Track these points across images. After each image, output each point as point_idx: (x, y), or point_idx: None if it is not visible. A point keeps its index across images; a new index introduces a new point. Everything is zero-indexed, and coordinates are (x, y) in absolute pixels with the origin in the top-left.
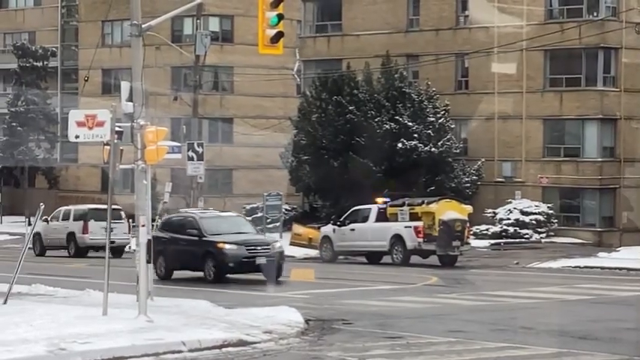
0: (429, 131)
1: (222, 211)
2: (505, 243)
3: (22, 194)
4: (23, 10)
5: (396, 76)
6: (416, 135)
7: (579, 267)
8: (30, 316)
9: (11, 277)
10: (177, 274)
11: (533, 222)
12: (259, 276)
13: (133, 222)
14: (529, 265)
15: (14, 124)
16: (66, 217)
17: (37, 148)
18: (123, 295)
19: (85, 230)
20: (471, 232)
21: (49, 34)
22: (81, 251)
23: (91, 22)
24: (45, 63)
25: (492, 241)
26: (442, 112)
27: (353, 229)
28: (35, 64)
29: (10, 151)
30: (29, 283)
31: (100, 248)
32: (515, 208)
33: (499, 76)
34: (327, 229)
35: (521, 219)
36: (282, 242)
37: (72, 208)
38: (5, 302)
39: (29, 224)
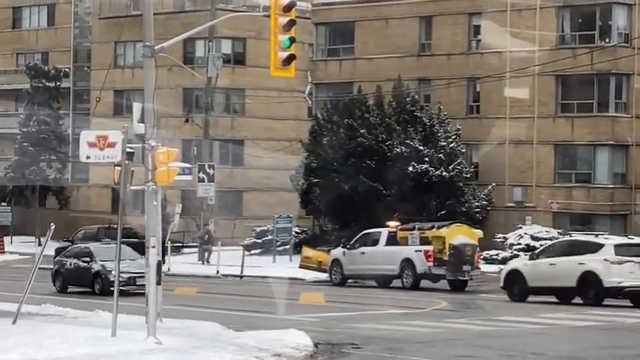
0: (440, 155)
1: None
2: None
3: (33, 214)
4: (36, 31)
5: (407, 99)
6: (427, 159)
7: None
8: (39, 336)
9: (21, 297)
10: None
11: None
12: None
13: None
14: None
15: (26, 144)
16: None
17: (48, 168)
18: (132, 317)
19: None
20: (481, 257)
21: (61, 54)
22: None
23: (103, 43)
24: (57, 83)
25: (502, 266)
26: (453, 137)
27: (363, 253)
28: (48, 84)
29: (21, 171)
30: (39, 303)
31: None
32: (525, 234)
33: (511, 101)
34: (337, 252)
35: (531, 244)
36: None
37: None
38: (14, 322)
39: (39, 244)
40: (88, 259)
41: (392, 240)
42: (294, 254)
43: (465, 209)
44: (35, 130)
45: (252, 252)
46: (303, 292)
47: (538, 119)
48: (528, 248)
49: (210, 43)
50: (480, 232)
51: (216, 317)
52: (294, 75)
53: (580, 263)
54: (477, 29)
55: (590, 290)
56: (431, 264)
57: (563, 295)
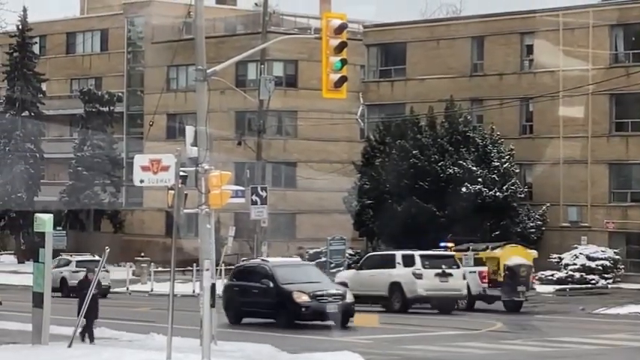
0: (494, 176)
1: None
2: (571, 289)
3: (88, 238)
4: (90, 56)
5: (460, 120)
6: (480, 179)
7: None
8: (94, 359)
9: (76, 321)
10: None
11: (600, 267)
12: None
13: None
14: (595, 311)
15: (80, 168)
16: None
17: (103, 192)
18: (187, 339)
19: None
20: (536, 278)
21: (115, 79)
22: None
23: (156, 67)
24: (111, 108)
25: (558, 287)
26: (507, 157)
27: None
28: (101, 109)
29: (75, 195)
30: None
31: None
32: (581, 254)
33: (564, 120)
34: None
35: (587, 264)
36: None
37: None
38: (70, 346)
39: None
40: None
41: None
42: None
43: (519, 230)
44: (89, 155)
45: None
46: (357, 314)
47: (592, 138)
48: (584, 268)
49: (262, 66)
50: (534, 253)
51: (271, 340)
52: (345, 97)
53: (389, 274)
54: (529, 49)
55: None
56: (485, 285)
57: (376, 302)
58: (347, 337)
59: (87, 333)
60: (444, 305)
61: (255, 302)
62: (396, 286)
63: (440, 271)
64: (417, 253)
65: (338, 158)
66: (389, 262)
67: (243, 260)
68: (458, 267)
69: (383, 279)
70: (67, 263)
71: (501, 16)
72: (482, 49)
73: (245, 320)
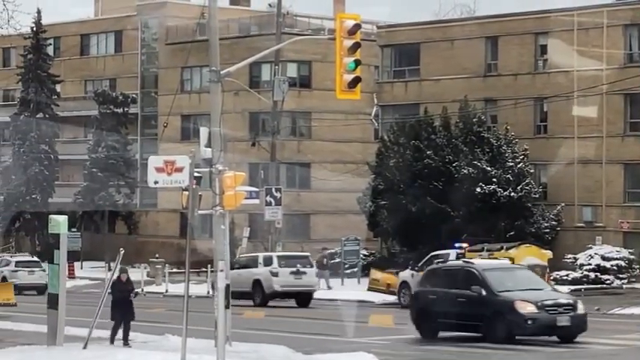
0: (508, 176)
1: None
2: (586, 289)
3: (102, 239)
4: (104, 58)
5: (474, 120)
6: (494, 180)
7: None
8: None
9: (91, 322)
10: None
11: (615, 268)
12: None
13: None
14: (610, 312)
15: (94, 169)
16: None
17: (117, 194)
18: (201, 340)
19: None
20: (551, 278)
21: (129, 80)
22: None
23: (170, 68)
24: (125, 109)
25: (572, 287)
26: (521, 157)
27: None
28: (115, 110)
29: (90, 197)
30: (109, 328)
31: None
32: (596, 254)
33: (579, 120)
34: (406, 274)
35: (602, 264)
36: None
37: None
38: (85, 347)
39: (109, 269)
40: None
41: None
42: (362, 277)
43: (533, 230)
44: (104, 156)
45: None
46: (372, 315)
47: (607, 138)
48: (599, 269)
49: (276, 67)
50: (549, 253)
51: (285, 340)
52: (359, 97)
53: (252, 273)
54: (543, 49)
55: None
56: None
57: (242, 297)
58: (362, 337)
59: (123, 335)
60: (301, 299)
61: (459, 313)
62: (257, 283)
63: (295, 269)
64: (274, 254)
65: (352, 159)
66: (254, 263)
67: (439, 261)
68: (311, 266)
69: (248, 277)
70: (8, 264)
71: (515, 16)
72: (497, 49)
73: (442, 334)
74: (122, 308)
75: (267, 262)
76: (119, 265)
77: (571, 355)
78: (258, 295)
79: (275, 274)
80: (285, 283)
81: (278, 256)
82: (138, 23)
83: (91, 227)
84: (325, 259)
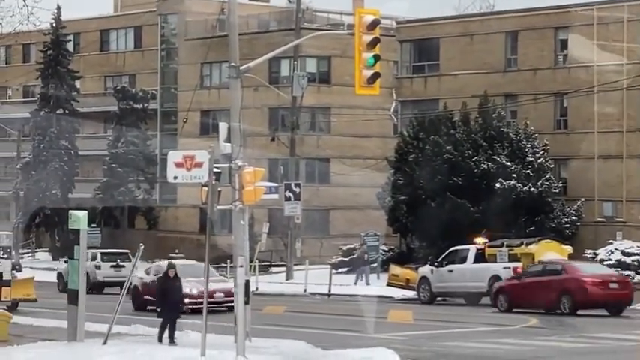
0: (528, 171)
1: None
2: None
3: (122, 235)
4: (124, 54)
5: (493, 115)
6: (514, 175)
7: None
8: (129, 356)
9: (111, 318)
10: None
11: (635, 263)
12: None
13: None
14: (631, 307)
15: (114, 165)
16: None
17: (137, 189)
18: (221, 336)
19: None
20: None
21: (148, 76)
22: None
23: (190, 64)
24: (145, 105)
25: None
26: (541, 152)
27: (451, 270)
28: (135, 106)
29: (110, 192)
30: (129, 323)
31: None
32: (616, 249)
33: (599, 116)
34: (425, 269)
35: (622, 260)
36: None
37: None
38: (105, 342)
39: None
40: None
41: (480, 257)
42: (382, 272)
43: (554, 225)
44: (124, 152)
45: (340, 270)
46: (392, 310)
47: (627, 133)
48: (619, 264)
49: (295, 63)
50: (569, 248)
51: (305, 336)
52: (379, 93)
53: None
54: (563, 43)
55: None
56: None
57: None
58: (381, 333)
59: (169, 332)
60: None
61: None
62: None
63: (114, 263)
64: (98, 252)
65: (371, 154)
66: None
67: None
68: (130, 260)
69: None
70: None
71: (535, 11)
72: (516, 44)
73: None
74: (170, 305)
75: (93, 257)
76: (167, 261)
77: (589, 350)
78: (89, 284)
79: (98, 267)
80: (107, 274)
81: (101, 253)
82: (157, 19)
83: (110, 223)
84: (366, 255)
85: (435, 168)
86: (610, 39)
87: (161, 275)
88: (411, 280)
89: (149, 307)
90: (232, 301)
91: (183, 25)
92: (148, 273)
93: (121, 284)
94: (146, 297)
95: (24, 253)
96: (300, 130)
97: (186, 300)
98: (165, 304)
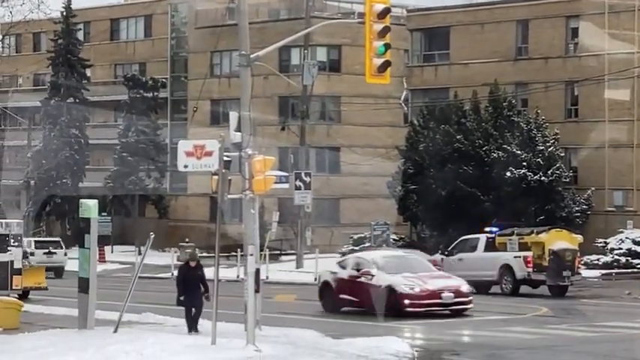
0: (539, 160)
1: None
2: (617, 273)
3: (132, 223)
4: (134, 42)
5: (504, 104)
6: (525, 164)
7: None
8: (140, 344)
9: (122, 306)
10: None
11: None
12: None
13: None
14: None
15: (125, 154)
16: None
17: (147, 178)
18: (231, 324)
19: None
20: (582, 262)
21: (158, 65)
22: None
23: (200, 52)
24: (155, 94)
25: (603, 271)
26: (552, 141)
27: (461, 259)
28: (145, 94)
29: (120, 181)
30: (139, 312)
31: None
32: (627, 238)
33: (610, 104)
34: (436, 258)
35: (633, 249)
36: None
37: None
38: (116, 331)
39: (139, 253)
40: None
41: (490, 246)
42: None
43: (564, 214)
44: (134, 141)
45: None
46: None
47: (637, 122)
48: (630, 253)
49: (306, 51)
50: (579, 237)
51: (315, 325)
52: (389, 81)
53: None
54: (574, 32)
55: None
56: (530, 270)
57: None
58: (391, 322)
59: (192, 321)
60: (55, 272)
61: None
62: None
63: (47, 250)
64: (32, 240)
65: (382, 143)
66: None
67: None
68: (62, 248)
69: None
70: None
71: None
72: (527, 33)
73: None
74: (192, 294)
75: (27, 245)
76: (186, 251)
77: (599, 338)
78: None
79: (32, 254)
80: (39, 260)
81: (35, 241)
82: (167, 7)
83: (121, 211)
84: (384, 244)
85: (445, 156)
86: (621, 27)
87: (183, 264)
88: None
89: (345, 309)
90: (462, 304)
91: (193, 13)
92: (343, 267)
93: (53, 269)
94: (342, 296)
95: None
96: (310, 119)
97: (406, 301)
98: (186, 293)
